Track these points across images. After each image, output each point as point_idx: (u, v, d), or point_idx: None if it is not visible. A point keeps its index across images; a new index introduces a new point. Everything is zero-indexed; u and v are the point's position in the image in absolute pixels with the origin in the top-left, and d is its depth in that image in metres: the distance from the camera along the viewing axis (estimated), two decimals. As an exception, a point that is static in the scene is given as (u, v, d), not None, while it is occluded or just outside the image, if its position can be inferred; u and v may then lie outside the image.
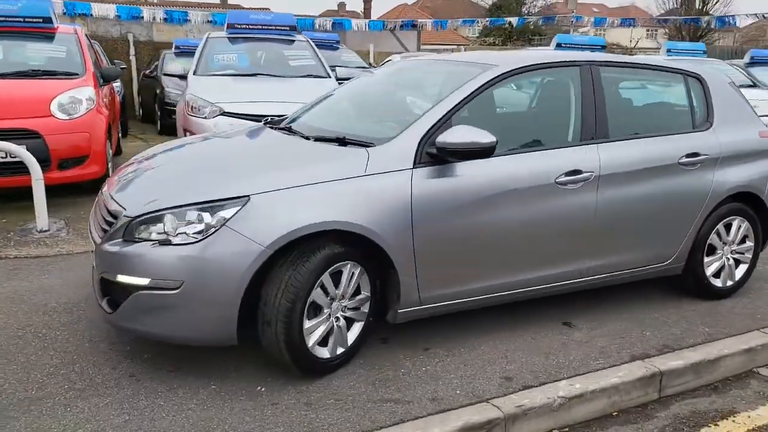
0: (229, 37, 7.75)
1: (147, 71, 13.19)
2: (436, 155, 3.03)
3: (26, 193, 5.13)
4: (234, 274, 2.66)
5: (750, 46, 23.67)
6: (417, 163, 3.01)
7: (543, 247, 3.37)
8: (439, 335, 3.38)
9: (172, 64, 11.73)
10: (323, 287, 2.83)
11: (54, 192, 5.50)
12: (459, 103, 3.16)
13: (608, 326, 3.63)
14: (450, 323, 3.45)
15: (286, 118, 4.20)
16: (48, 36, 6.41)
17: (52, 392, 2.74)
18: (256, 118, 6.09)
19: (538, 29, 42.27)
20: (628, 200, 3.57)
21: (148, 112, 12.76)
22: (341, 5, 47.95)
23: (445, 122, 3.10)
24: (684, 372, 3.22)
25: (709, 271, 4.04)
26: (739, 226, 4.08)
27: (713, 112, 4.01)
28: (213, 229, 2.68)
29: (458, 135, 2.96)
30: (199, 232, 2.70)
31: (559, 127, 3.49)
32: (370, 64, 13.28)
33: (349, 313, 2.99)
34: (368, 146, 3.05)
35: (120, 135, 8.64)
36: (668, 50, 11.01)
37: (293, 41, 7.97)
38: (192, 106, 6.32)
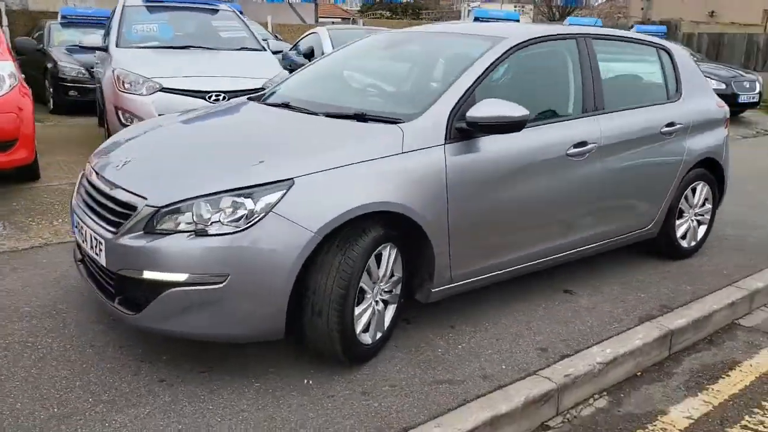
0: (146, 6, 7.13)
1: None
2: (464, 130, 2.97)
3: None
4: (284, 264, 2.47)
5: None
6: (447, 138, 2.94)
7: (555, 218, 3.44)
8: (457, 312, 3.36)
9: (61, 35, 10.67)
10: (368, 271, 2.71)
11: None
12: (480, 76, 3.12)
13: (605, 292, 3.78)
14: (462, 299, 3.43)
15: (264, 93, 3.95)
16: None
17: (77, 407, 2.43)
18: (199, 94, 5.74)
19: (418, 3, 42.89)
20: (623, 170, 3.72)
21: (35, 89, 11.53)
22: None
23: (469, 97, 3.04)
24: (687, 329, 3.43)
25: (679, 233, 4.32)
26: (702, 190, 4.39)
27: (681, 83, 4.25)
28: (258, 216, 2.47)
29: (489, 109, 2.91)
30: (236, 220, 2.47)
31: (565, 100, 3.54)
32: (276, 36, 12.80)
33: (384, 296, 2.89)
34: (396, 122, 2.92)
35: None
36: (476, 18, 10.41)
37: (217, 11, 7.49)
38: (124, 82, 5.78)
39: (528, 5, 42.17)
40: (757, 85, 11.85)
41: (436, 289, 3.02)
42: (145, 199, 2.55)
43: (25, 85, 5.31)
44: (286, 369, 2.76)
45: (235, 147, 2.89)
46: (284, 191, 2.51)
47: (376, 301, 2.83)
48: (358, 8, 45.91)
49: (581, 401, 2.86)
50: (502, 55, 3.23)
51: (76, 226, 2.97)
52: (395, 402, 2.56)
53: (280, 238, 2.47)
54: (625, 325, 3.35)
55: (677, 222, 4.28)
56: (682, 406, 2.87)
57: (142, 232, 2.53)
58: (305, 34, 9.18)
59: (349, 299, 2.59)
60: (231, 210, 2.49)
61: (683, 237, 4.36)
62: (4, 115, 4.69)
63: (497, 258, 3.23)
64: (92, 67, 9.51)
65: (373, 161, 2.72)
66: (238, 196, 2.50)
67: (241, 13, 12.20)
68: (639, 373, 3.14)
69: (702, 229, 4.51)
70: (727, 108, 4.62)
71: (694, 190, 4.33)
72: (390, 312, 2.95)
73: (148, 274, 2.50)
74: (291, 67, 8.03)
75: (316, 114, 3.20)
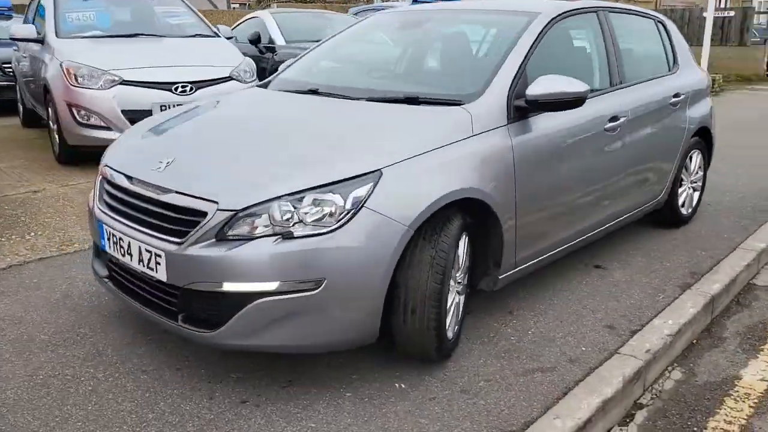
0: (79, -8, 6.50)
1: None
2: (522, 108, 2.87)
3: None
4: (380, 262, 2.28)
5: None
6: (509, 118, 2.83)
7: (596, 194, 3.42)
8: (510, 296, 3.28)
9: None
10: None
11: None
12: (528, 52, 3.02)
13: (633, 264, 3.82)
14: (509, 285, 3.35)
15: (269, 80, 3.67)
16: None
17: (165, 443, 2.15)
18: (164, 86, 5.31)
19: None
20: (644, 142, 3.75)
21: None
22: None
23: (522, 74, 2.93)
24: (722, 293, 3.52)
25: (680, 201, 4.44)
26: (696, 158, 4.53)
27: (677, 54, 4.35)
28: (348, 213, 2.26)
29: (549, 85, 2.82)
30: (321, 219, 2.25)
31: (596, 74, 3.51)
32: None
33: (458, 288, 2.76)
34: (457, 104, 2.77)
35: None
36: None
37: (156, -6, 6.95)
38: (76, 76, 5.23)
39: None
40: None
41: (503, 276, 2.92)
42: (216, 203, 2.27)
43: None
44: (368, 374, 2.57)
45: (292, 139, 2.62)
46: (372, 184, 2.31)
47: (455, 293, 2.69)
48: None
49: (659, 376, 2.86)
50: (543, 29, 3.15)
51: (109, 239, 2.62)
52: (500, 397, 2.44)
53: (374, 234, 2.27)
54: (669, 295, 3.39)
55: (679, 190, 4.40)
56: (751, 369, 2.93)
57: (214, 240, 2.26)
58: (243, 20, 8.72)
59: (444, 293, 2.44)
60: (316, 208, 2.26)
61: (683, 205, 4.50)
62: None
63: (552, 238, 3.17)
64: (6, 63, 8.65)
65: (448, 146, 2.57)
66: (324, 192, 2.27)
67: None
68: (695, 341, 3.19)
69: (696, 196, 4.67)
70: (709, 78, 4.78)
71: (690, 159, 4.47)
72: (462, 303, 2.82)
73: (229, 286, 2.23)
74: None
75: (356, 99, 2.99)
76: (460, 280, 2.75)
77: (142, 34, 6.11)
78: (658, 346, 2.86)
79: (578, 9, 3.48)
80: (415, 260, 2.38)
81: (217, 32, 6.56)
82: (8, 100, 8.60)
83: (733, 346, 3.15)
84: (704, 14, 13.61)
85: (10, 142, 7.06)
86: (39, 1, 6.78)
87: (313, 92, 3.20)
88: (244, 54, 6.36)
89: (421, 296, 2.39)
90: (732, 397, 2.72)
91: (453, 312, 2.67)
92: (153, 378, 2.53)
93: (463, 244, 2.65)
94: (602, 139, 3.35)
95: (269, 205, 2.25)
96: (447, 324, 2.56)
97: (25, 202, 4.75)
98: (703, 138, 4.56)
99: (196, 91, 5.36)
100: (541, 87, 2.82)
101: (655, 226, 4.46)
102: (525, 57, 2.99)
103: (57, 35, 5.79)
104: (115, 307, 3.14)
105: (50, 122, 5.80)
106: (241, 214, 2.24)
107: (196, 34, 6.37)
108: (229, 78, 5.63)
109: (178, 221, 2.35)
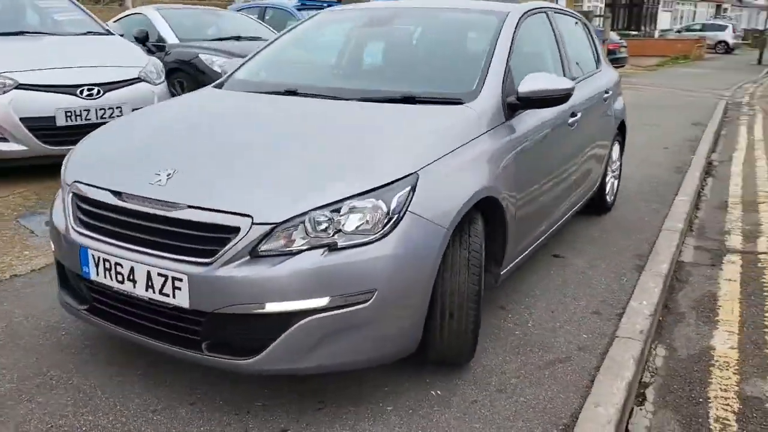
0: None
1: None
2: (513, 105, 2.91)
3: None
4: (425, 266, 2.21)
5: None
6: (506, 115, 2.86)
7: (563, 187, 3.56)
8: (494, 292, 3.31)
9: None
10: (478, 261, 2.54)
11: None
12: (509, 51, 3.06)
13: (586, 251, 4.04)
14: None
15: (221, 81, 3.42)
16: None
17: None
18: (68, 89, 4.76)
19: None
20: (590, 136, 3.97)
21: None
22: None
23: (509, 72, 2.98)
24: (669, 273, 3.82)
25: (607, 189, 4.77)
26: (616, 149, 4.89)
27: (599, 53, 4.65)
28: (393, 219, 2.15)
29: (537, 83, 2.88)
30: (363, 226, 2.12)
31: (558, 71, 3.64)
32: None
33: (470, 287, 2.74)
34: (458, 103, 2.75)
35: None
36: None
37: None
38: (-39, 81, 4.51)
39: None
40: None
41: (504, 271, 2.94)
42: (251, 216, 2.06)
43: None
44: (397, 385, 2.48)
45: (309, 145, 2.43)
46: (410, 187, 2.22)
47: (471, 293, 2.67)
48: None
49: (648, 354, 3.04)
50: (515, 28, 3.21)
51: (98, 265, 2.29)
52: (537, 392, 2.46)
53: (419, 239, 2.19)
54: (630, 278, 3.63)
55: (606, 180, 4.72)
56: (718, 339, 3.20)
57: (248, 258, 2.05)
58: (120, 16, 8.01)
59: (481, 295, 2.41)
60: (354, 216, 2.13)
61: (608, 193, 4.83)
62: None
63: (534, 231, 3.25)
64: None
65: (466, 145, 2.54)
66: (364, 199, 2.15)
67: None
68: (661, 318, 3.44)
69: (616, 184, 5.04)
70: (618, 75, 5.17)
71: (612, 149, 4.80)
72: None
73: (273, 306, 2.04)
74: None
75: (347, 100, 2.86)
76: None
77: (27, 32, 5.40)
78: (646, 326, 3.04)
79: (534, 9, 3.60)
80: (452, 262, 2.33)
81: (109, 30, 5.97)
82: None
83: (693, 320, 3.42)
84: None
85: None
86: None
87: (292, 93, 3.02)
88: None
89: (459, 299, 2.34)
90: (716, 366, 2.95)
91: (472, 311, 2.65)
92: (168, 418, 2.25)
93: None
94: (567, 133, 3.50)
95: (305, 216, 2.09)
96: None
97: None
98: (619, 130, 4.92)
99: (104, 94, 4.84)
100: (530, 84, 2.87)
101: (585, 214, 4.75)
102: (507, 55, 3.04)
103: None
104: (77, 342, 2.76)
105: None
106: (278, 228, 2.06)
107: (88, 32, 5.75)
108: (138, 79, 5.15)
109: (200, 239, 2.10)
